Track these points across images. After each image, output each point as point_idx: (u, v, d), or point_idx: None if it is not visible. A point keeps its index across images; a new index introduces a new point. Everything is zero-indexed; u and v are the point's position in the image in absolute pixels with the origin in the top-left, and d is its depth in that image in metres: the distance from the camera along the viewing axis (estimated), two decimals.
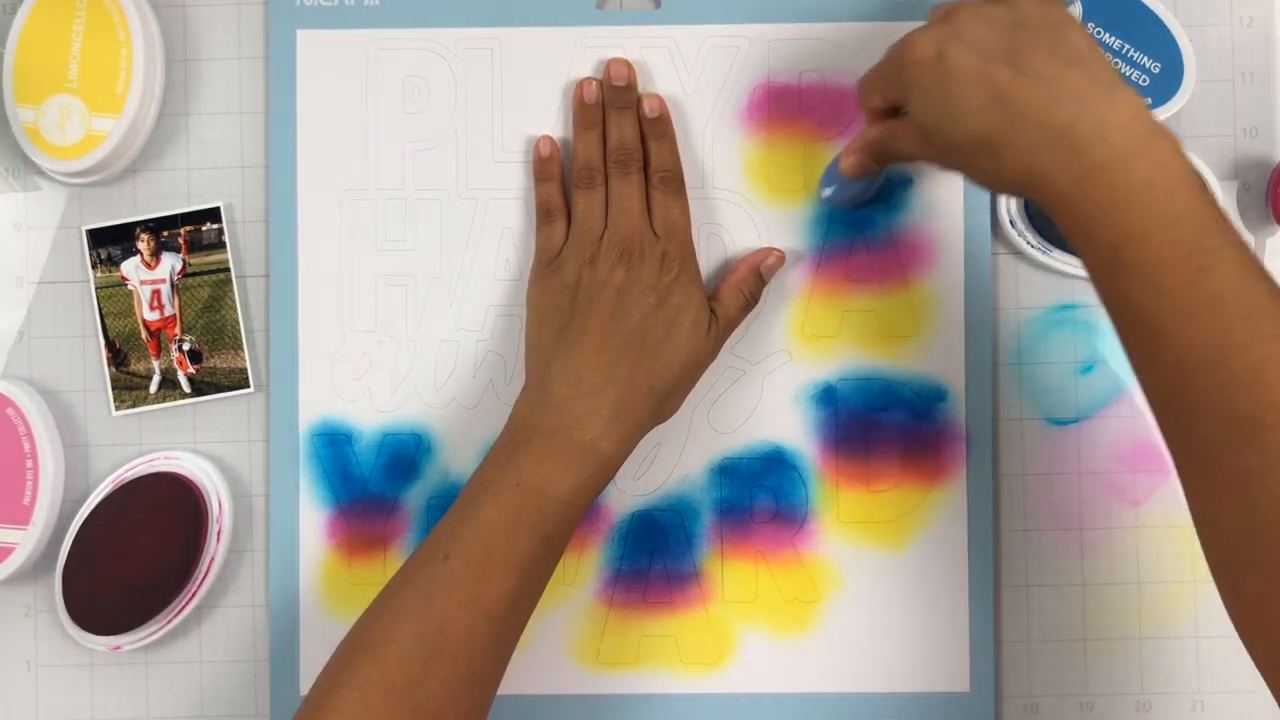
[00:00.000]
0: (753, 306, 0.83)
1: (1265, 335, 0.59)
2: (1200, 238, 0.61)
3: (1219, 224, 0.62)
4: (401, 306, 0.86)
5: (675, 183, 0.82)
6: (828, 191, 0.83)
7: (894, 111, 0.77)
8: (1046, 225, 0.83)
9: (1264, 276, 0.61)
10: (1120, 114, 0.64)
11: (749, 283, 0.82)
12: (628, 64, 0.83)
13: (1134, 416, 0.84)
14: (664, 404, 0.78)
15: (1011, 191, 0.72)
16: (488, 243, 0.85)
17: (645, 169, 0.82)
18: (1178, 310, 0.61)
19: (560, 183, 0.84)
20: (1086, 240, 0.64)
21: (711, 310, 0.80)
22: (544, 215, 0.83)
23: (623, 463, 0.77)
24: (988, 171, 0.69)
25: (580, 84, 0.84)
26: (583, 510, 0.75)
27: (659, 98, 0.83)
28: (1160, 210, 0.62)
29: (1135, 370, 0.65)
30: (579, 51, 0.86)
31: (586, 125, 0.83)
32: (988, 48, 0.67)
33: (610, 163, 0.82)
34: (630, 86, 0.83)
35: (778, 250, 0.83)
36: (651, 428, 0.79)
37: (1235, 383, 0.59)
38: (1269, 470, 0.58)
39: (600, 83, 0.84)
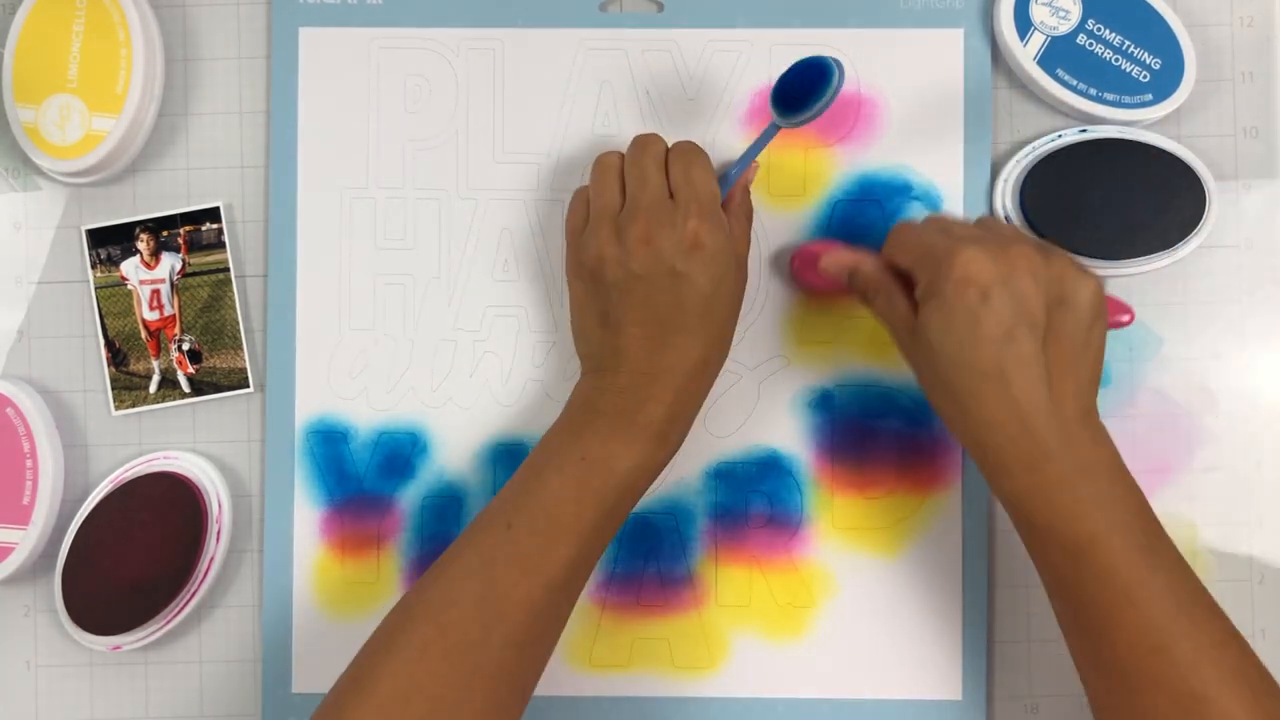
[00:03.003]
0: (751, 218, 0.83)
1: (1200, 621, 0.68)
2: (1147, 541, 0.69)
3: (1157, 524, 0.70)
4: (399, 305, 0.86)
5: (693, 148, 0.79)
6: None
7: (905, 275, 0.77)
8: (1042, 222, 0.83)
9: (1189, 570, 0.70)
10: (1089, 430, 0.70)
11: (747, 205, 0.82)
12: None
13: (1133, 417, 0.84)
14: (718, 362, 0.79)
15: (957, 437, 0.74)
16: (487, 243, 0.86)
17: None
18: (1130, 604, 0.68)
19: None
20: (1042, 540, 0.71)
21: None
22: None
23: (684, 438, 0.77)
24: (949, 411, 0.73)
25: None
26: (644, 487, 0.76)
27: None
28: (1116, 518, 0.69)
29: (1077, 651, 0.73)
30: (581, 53, 0.86)
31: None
32: (1028, 311, 0.69)
33: (630, 149, 0.80)
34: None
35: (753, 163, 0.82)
36: (711, 386, 0.79)
37: (1181, 664, 0.67)
38: None
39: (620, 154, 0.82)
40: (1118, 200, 0.83)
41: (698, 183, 0.77)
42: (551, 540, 0.72)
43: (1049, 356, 0.69)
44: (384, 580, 0.85)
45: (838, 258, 0.79)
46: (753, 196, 0.84)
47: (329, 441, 0.85)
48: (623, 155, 0.80)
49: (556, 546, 0.72)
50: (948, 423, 0.73)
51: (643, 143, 0.79)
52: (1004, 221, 0.78)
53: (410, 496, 0.85)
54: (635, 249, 0.75)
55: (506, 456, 0.85)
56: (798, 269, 0.84)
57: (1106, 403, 0.85)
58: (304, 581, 0.85)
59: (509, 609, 0.70)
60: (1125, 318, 0.82)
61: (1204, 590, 0.69)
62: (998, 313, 0.69)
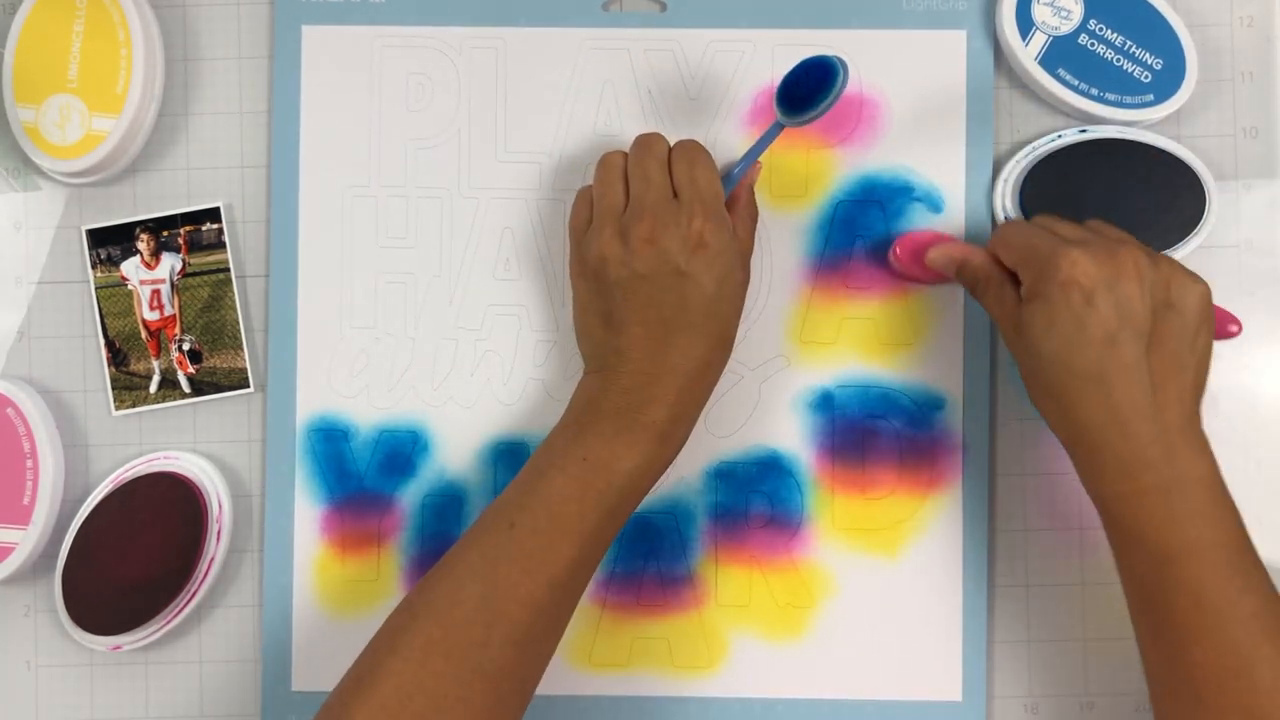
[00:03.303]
0: (756, 217, 0.83)
1: None
2: (1239, 562, 0.69)
3: (1251, 548, 0.70)
4: (400, 304, 0.86)
5: (696, 147, 0.79)
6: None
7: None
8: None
9: (1277, 595, 0.69)
10: (1191, 442, 0.69)
11: (752, 205, 0.82)
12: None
13: None
14: (721, 362, 0.78)
15: (1056, 434, 0.74)
16: (488, 242, 0.86)
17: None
18: (1214, 624, 0.67)
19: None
20: (1131, 547, 0.71)
21: None
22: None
23: (686, 439, 0.77)
24: (1048, 408, 0.73)
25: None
26: (648, 487, 0.76)
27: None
28: (1210, 535, 0.68)
29: (1151, 662, 0.72)
30: (584, 53, 0.86)
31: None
32: (1132, 314, 0.70)
33: (633, 149, 0.81)
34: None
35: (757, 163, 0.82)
36: (714, 386, 0.79)
37: (1259, 689, 0.66)
38: None
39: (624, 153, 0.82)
40: (1118, 200, 0.83)
41: (701, 182, 0.77)
42: (554, 540, 0.72)
43: (1152, 362, 0.70)
44: (384, 578, 0.85)
45: (947, 250, 0.80)
46: (755, 197, 0.84)
47: (330, 440, 0.85)
48: (626, 155, 0.80)
49: (559, 546, 0.72)
50: (1048, 419, 0.74)
51: (646, 142, 0.79)
52: (1110, 224, 0.78)
53: (411, 495, 0.85)
54: (639, 248, 0.75)
55: (507, 455, 0.85)
56: (899, 257, 0.84)
57: None
58: (304, 579, 0.85)
59: (511, 608, 0.71)
60: (1234, 328, 0.81)
61: None
62: (1102, 316, 0.69)
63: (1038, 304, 0.71)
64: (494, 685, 0.70)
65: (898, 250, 0.84)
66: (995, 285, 0.76)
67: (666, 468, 0.76)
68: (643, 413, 0.74)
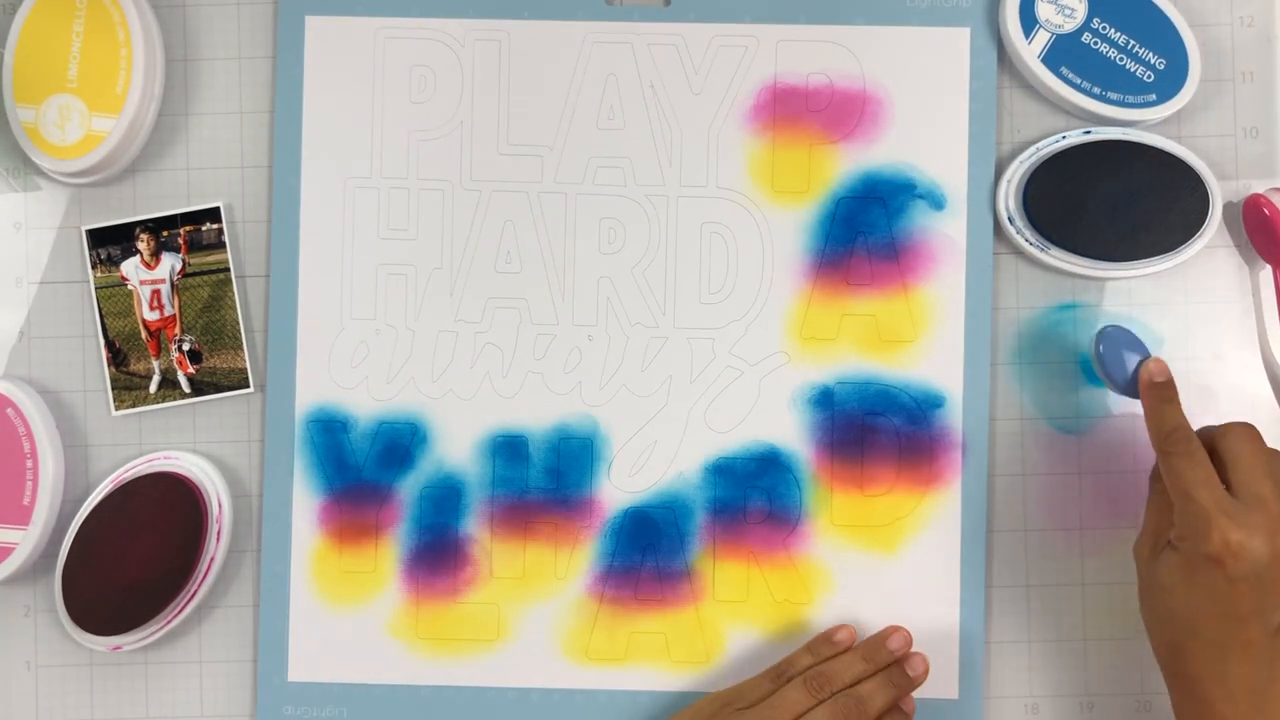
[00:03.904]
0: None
1: None
2: None
3: None
4: (401, 295, 0.86)
5: (824, 688, 0.78)
6: (1105, 370, 0.80)
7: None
8: (1045, 223, 0.83)
9: None
10: None
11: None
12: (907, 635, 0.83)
13: (1135, 416, 0.84)
14: None
15: (1163, 672, 0.74)
16: (490, 234, 0.86)
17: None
18: None
19: None
20: None
21: None
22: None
23: None
24: (1158, 646, 0.73)
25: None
26: None
27: (906, 637, 0.83)
28: None
29: None
30: (587, 46, 0.86)
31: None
32: (1269, 604, 0.69)
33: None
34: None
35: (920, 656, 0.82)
36: None
37: None
38: None
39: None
40: (1121, 202, 0.83)
41: None
42: None
43: (1276, 646, 0.69)
44: (381, 570, 0.85)
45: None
46: (756, 192, 0.85)
47: (329, 431, 0.85)
48: None
49: None
50: (1157, 654, 0.74)
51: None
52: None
53: (409, 487, 0.85)
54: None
55: (506, 448, 0.85)
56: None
57: (1107, 402, 0.85)
58: (301, 570, 0.85)
59: None
60: None
61: None
62: (1241, 597, 0.68)
63: (1179, 558, 0.71)
64: None
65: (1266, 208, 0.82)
66: (1159, 531, 0.75)
67: None
68: None
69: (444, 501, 0.85)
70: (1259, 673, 0.68)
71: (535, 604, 0.85)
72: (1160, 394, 0.75)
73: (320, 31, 0.86)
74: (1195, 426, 0.74)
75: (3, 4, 0.87)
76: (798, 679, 0.78)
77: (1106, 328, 0.79)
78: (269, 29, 0.87)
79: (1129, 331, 0.79)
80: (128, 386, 0.86)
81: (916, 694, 0.82)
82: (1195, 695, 0.70)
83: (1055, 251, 0.84)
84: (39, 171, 0.86)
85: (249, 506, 0.86)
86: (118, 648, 0.83)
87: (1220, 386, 0.85)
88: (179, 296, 0.85)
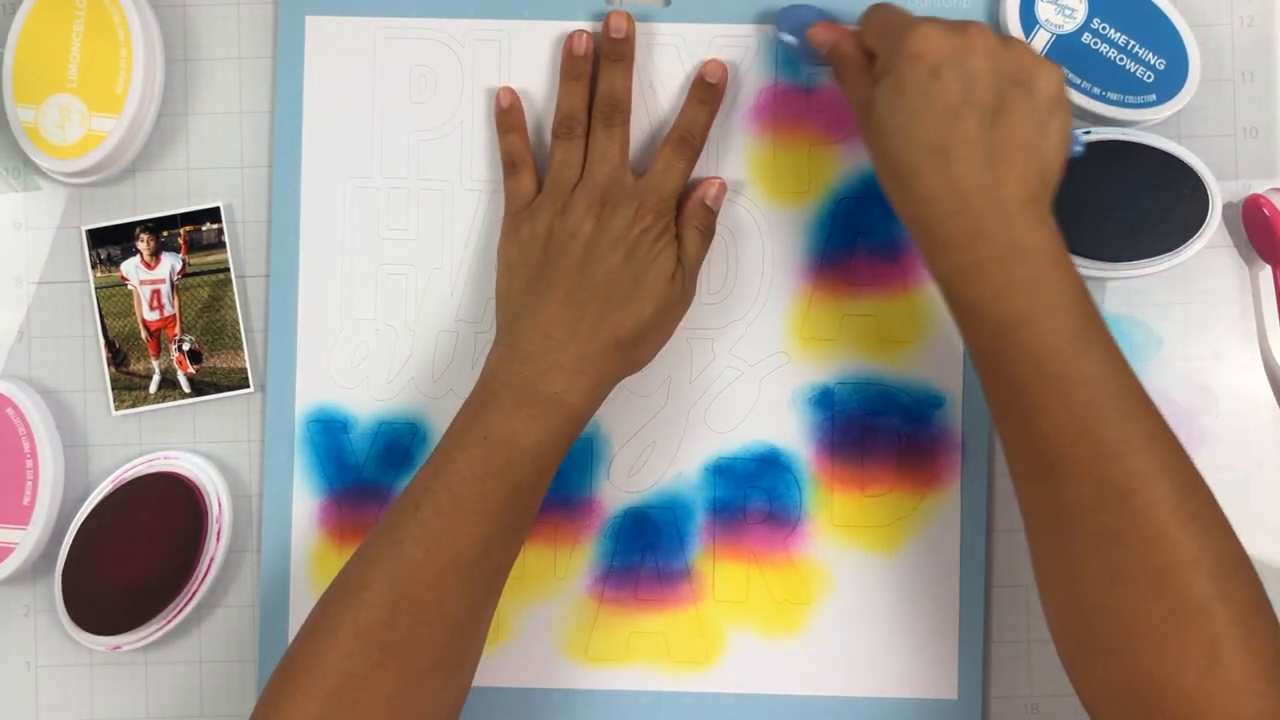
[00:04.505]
0: (710, 239, 0.82)
1: (1129, 413, 0.66)
2: (1080, 327, 0.67)
3: (1095, 316, 0.68)
4: (401, 295, 0.86)
5: (692, 149, 0.82)
6: (786, 37, 0.83)
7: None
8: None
9: (1126, 365, 0.68)
10: (1031, 216, 0.68)
11: (699, 217, 0.82)
12: (628, 17, 0.83)
13: None
14: (632, 354, 0.79)
15: (899, 214, 0.73)
16: (490, 234, 0.86)
17: (674, 135, 0.83)
18: (1057, 389, 0.66)
19: (524, 134, 0.85)
20: (974, 318, 0.69)
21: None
22: (509, 167, 0.84)
23: (592, 413, 0.77)
24: (893, 188, 0.72)
25: (571, 35, 0.84)
26: (554, 461, 0.76)
27: (724, 66, 0.84)
28: (1047, 300, 0.67)
29: (1007, 439, 0.71)
30: None
31: (573, 76, 0.84)
32: (977, 88, 0.69)
33: (595, 113, 0.83)
34: (628, 40, 0.83)
35: (718, 179, 0.83)
36: (621, 378, 0.79)
37: (1105, 453, 0.65)
38: (1130, 528, 0.65)
39: (591, 35, 0.84)
40: (1121, 202, 0.83)
41: (670, 181, 0.81)
42: (457, 521, 0.72)
43: (995, 138, 0.68)
44: None
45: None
46: (756, 193, 0.85)
47: (329, 431, 0.85)
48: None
49: (463, 527, 0.72)
50: (892, 202, 0.73)
51: (608, 112, 0.83)
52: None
53: None
54: (585, 221, 0.78)
55: None
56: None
57: None
58: (301, 569, 0.85)
59: (416, 589, 0.71)
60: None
61: (1138, 384, 0.68)
62: (946, 89, 0.69)
63: (887, 79, 0.71)
64: (407, 664, 0.70)
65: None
66: (856, 69, 0.76)
67: (570, 443, 0.76)
68: (543, 382, 0.75)
69: None
70: (981, 169, 0.68)
71: (535, 604, 0.85)
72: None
73: (320, 31, 0.86)
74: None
75: (3, 4, 0.87)
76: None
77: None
78: (269, 29, 0.87)
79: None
80: (128, 386, 0.86)
81: (916, 694, 0.83)
82: (932, 218, 0.69)
83: None
84: (39, 171, 0.86)
85: (249, 506, 0.86)
86: (118, 648, 0.83)
87: (1220, 386, 0.85)
88: (179, 296, 0.85)
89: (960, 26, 0.70)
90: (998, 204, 0.68)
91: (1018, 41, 0.72)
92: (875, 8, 0.76)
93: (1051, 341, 0.66)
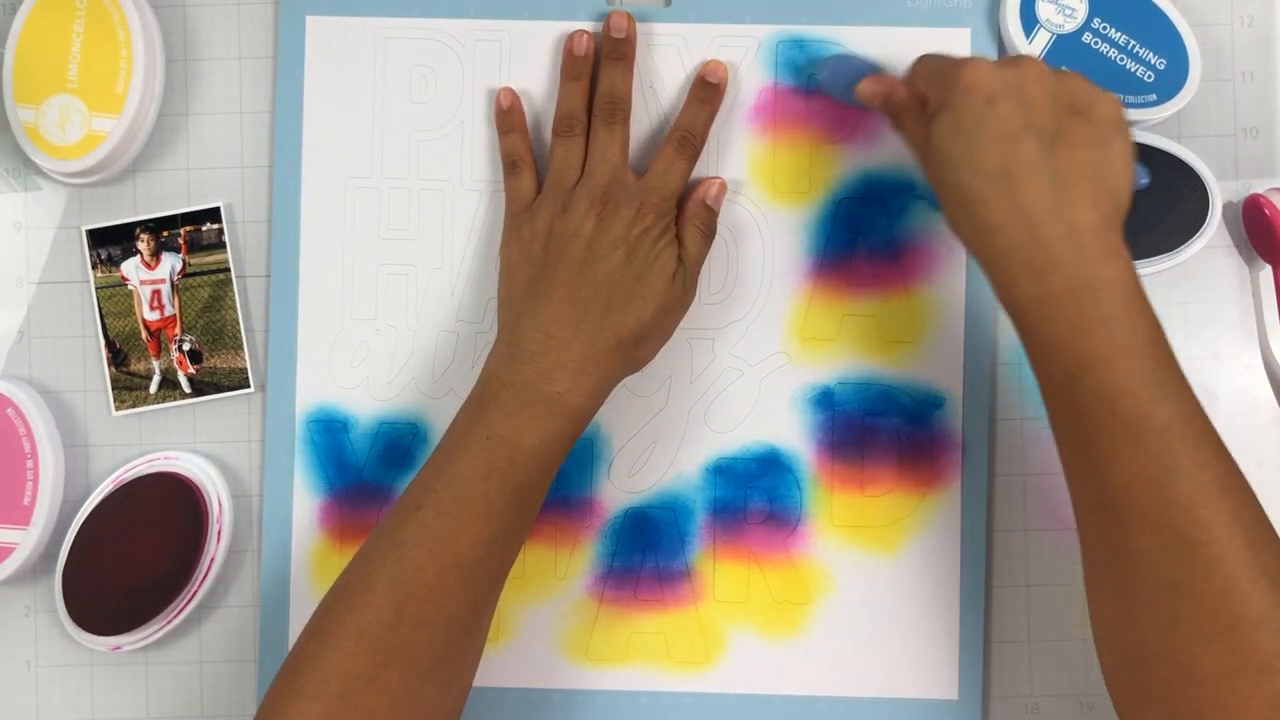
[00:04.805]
0: (711, 239, 0.82)
1: (1203, 462, 0.64)
2: (1155, 370, 0.66)
3: (1170, 358, 0.67)
4: (401, 295, 0.86)
5: (692, 148, 0.82)
6: (824, 76, 0.84)
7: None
8: None
9: (1200, 409, 0.66)
10: (1103, 244, 0.67)
11: (700, 216, 0.82)
12: (629, 17, 0.83)
13: None
14: (634, 354, 0.79)
15: (969, 249, 0.72)
16: (490, 234, 0.86)
17: (675, 134, 0.83)
18: (1130, 434, 0.65)
19: (524, 134, 0.85)
20: (1047, 358, 0.68)
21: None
22: (510, 167, 0.84)
23: (594, 413, 0.77)
24: (960, 218, 0.71)
25: (572, 35, 0.84)
26: (556, 460, 0.76)
27: (725, 66, 0.84)
28: (1123, 341, 0.66)
29: (1073, 478, 0.70)
30: None
31: (574, 76, 0.84)
32: (1035, 114, 0.68)
33: (596, 111, 0.83)
34: (629, 39, 0.83)
35: (719, 179, 0.83)
36: (623, 378, 0.79)
37: (1177, 504, 0.64)
38: (1199, 581, 0.63)
39: (592, 35, 0.84)
40: None
41: (670, 181, 0.81)
42: (460, 521, 0.72)
43: (1058, 162, 0.68)
44: None
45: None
46: (757, 193, 0.85)
47: (329, 431, 0.85)
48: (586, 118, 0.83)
49: (465, 527, 0.72)
50: (962, 238, 0.72)
51: (609, 111, 0.83)
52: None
53: None
54: (586, 220, 0.78)
55: None
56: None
57: None
58: (301, 570, 0.85)
59: (420, 590, 0.71)
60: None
61: (1211, 429, 0.66)
62: (1002, 116, 0.68)
63: (943, 114, 0.70)
64: (410, 665, 0.70)
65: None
66: (911, 114, 0.75)
67: (572, 443, 0.76)
68: (545, 381, 0.75)
69: None
70: (1047, 192, 0.67)
71: (535, 604, 0.85)
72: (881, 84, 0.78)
73: (320, 31, 0.86)
74: None
75: (3, 4, 0.87)
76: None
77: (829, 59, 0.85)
78: (269, 29, 0.87)
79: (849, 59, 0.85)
80: (128, 386, 0.86)
81: (916, 694, 0.83)
82: (1002, 247, 0.68)
83: None
84: (39, 171, 0.86)
85: (249, 506, 0.86)
86: (118, 648, 0.83)
87: (1220, 386, 0.85)
88: (179, 296, 0.85)
89: (1012, 61, 0.70)
90: (1068, 231, 0.67)
91: (1071, 72, 0.71)
92: (923, 57, 0.76)
93: (1126, 385, 0.65)
